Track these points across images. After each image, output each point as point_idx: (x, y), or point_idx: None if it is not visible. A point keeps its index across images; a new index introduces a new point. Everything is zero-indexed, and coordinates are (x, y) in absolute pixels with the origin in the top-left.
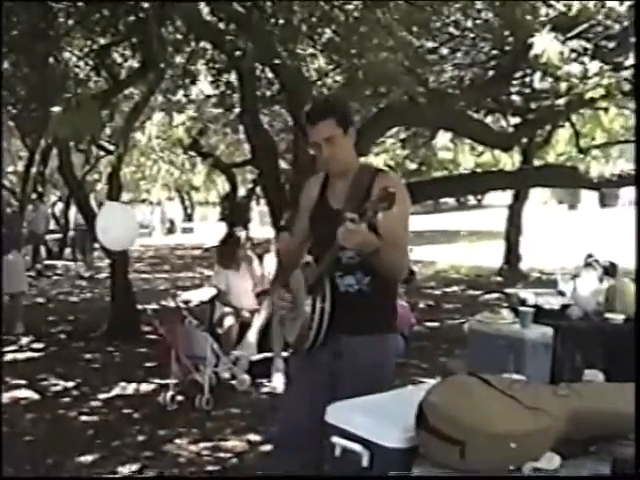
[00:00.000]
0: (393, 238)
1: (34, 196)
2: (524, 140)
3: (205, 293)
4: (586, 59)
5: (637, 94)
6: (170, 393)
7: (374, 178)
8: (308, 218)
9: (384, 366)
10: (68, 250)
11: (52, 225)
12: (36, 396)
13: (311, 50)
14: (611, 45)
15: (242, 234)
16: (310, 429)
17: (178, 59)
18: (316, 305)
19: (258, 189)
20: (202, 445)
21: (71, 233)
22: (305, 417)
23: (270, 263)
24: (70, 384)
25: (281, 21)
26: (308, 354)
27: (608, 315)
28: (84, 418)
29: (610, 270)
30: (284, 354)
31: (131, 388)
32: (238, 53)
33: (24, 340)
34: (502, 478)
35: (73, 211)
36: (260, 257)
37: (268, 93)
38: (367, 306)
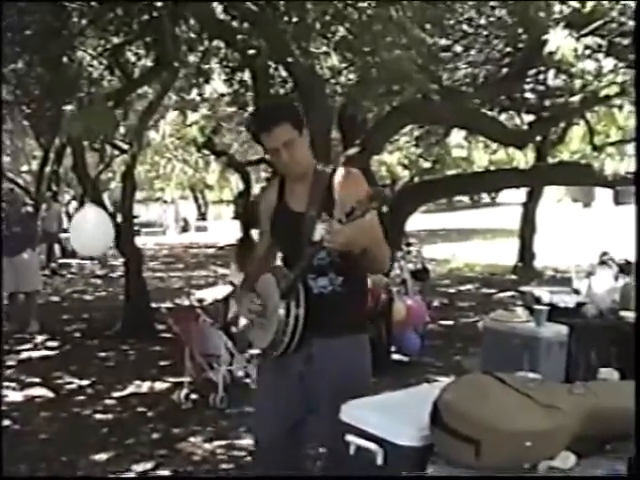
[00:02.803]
0: (376, 234)
1: (48, 195)
2: (538, 138)
3: (219, 291)
4: (600, 56)
5: (637, 94)
6: (184, 391)
7: (332, 176)
8: (269, 224)
9: (358, 367)
10: None
11: (66, 224)
12: (51, 394)
13: (324, 48)
14: (626, 42)
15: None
16: (288, 434)
17: (192, 58)
18: (291, 310)
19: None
20: (216, 443)
21: None
22: (282, 423)
23: None
24: (84, 382)
25: (294, 19)
26: (278, 359)
27: (623, 313)
28: (98, 416)
29: (625, 268)
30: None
31: (145, 386)
32: (251, 51)
33: (39, 338)
34: (517, 477)
35: None
36: None
37: (282, 91)
38: (341, 307)
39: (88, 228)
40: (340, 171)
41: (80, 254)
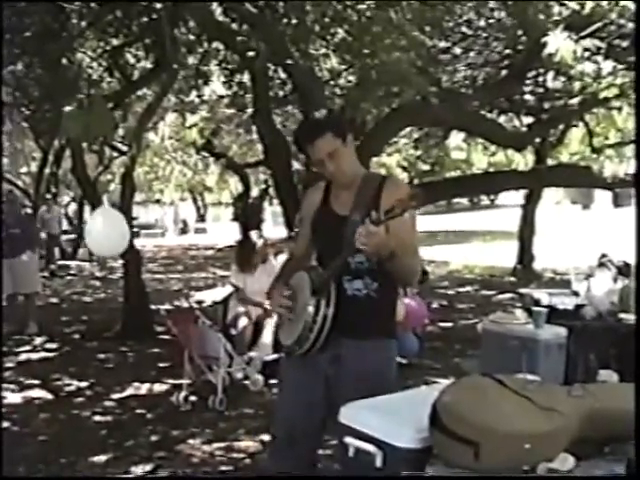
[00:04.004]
0: (410, 241)
1: (48, 197)
2: (537, 140)
3: (218, 293)
4: (599, 58)
5: (637, 94)
6: (183, 393)
7: (382, 184)
8: (310, 225)
9: (385, 372)
10: (81, 250)
11: (65, 225)
12: (50, 396)
13: (324, 50)
14: (625, 44)
15: (259, 240)
16: (306, 432)
17: (191, 60)
18: (320, 308)
19: (271, 189)
20: (215, 445)
21: None
22: (301, 421)
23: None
24: (83, 384)
25: (293, 21)
26: (304, 357)
27: (622, 315)
28: (97, 418)
29: (624, 270)
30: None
31: (144, 388)
32: (251, 53)
33: (38, 340)
34: (516, 479)
35: (87, 211)
36: (274, 257)
37: (281, 93)
38: (373, 311)
39: (107, 228)
40: (389, 179)
41: (98, 255)
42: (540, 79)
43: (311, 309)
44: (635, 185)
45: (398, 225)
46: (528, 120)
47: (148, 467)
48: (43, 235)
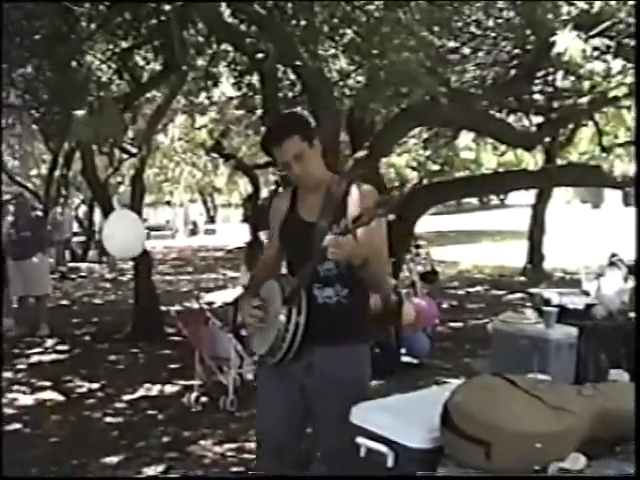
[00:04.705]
0: (380, 247)
1: (61, 199)
2: (547, 139)
3: (228, 294)
4: (609, 57)
5: (637, 94)
6: (194, 394)
7: (349, 189)
8: (278, 232)
9: (360, 377)
10: (92, 252)
11: (75, 227)
12: (61, 398)
13: (333, 51)
14: (633, 43)
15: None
16: (289, 441)
17: (200, 61)
18: (291, 317)
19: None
20: (226, 446)
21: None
22: (282, 429)
23: None
24: (95, 386)
25: (302, 22)
26: (277, 366)
27: (633, 314)
28: (109, 419)
29: (634, 269)
30: None
31: (155, 389)
32: (260, 55)
33: (49, 342)
34: (528, 478)
35: (98, 213)
36: None
37: (290, 94)
38: (344, 318)
39: (127, 231)
40: (356, 186)
41: (118, 257)
42: (549, 78)
43: (283, 318)
44: (635, 186)
45: (367, 233)
46: (537, 119)
47: (160, 468)
48: (66, 236)
